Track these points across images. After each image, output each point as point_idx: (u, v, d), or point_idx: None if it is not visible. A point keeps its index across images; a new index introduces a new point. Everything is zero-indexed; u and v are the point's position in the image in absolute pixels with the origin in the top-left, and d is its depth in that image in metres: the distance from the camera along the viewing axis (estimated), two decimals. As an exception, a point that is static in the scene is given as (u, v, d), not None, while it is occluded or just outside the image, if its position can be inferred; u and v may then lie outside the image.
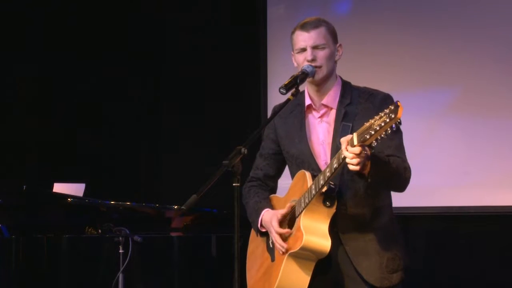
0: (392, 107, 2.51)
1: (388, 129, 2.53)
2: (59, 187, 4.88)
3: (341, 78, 3.06)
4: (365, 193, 2.92)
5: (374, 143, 2.60)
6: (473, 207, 5.30)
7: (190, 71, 6.17)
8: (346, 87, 3.03)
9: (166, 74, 6.29)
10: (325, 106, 3.01)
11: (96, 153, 6.10)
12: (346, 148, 2.65)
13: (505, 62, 5.23)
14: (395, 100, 2.94)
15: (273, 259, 3.04)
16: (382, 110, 2.85)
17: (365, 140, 2.57)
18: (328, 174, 2.79)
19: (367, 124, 2.58)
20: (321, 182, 2.83)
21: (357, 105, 2.95)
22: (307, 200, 2.88)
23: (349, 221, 2.94)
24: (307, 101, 3.05)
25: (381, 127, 2.53)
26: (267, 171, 3.19)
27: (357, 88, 3.03)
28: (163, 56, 6.28)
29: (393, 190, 3.01)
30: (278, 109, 3.01)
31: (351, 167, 2.67)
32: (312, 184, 2.88)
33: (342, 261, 2.97)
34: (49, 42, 6.08)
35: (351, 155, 2.64)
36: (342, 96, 2.99)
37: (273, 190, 3.22)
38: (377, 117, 2.55)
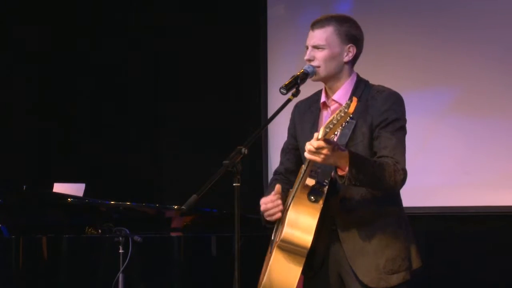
0: (349, 102, 2.56)
1: (344, 123, 2.59)
2: (59, 187, 4.87)
3: (357, 76, 3.05)
4: (368, 193, 2.91)
5: (333, 137, 2.67)
6: (473, 207, 5.30)
7: (190, 71, 6.16)
8: (360, 84, 3.02)
9: (166, 73, 6.29)
10: (335, 102, 3.01)
11: (96, 153, 6.10)
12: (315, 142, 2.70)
13: (505, 62, 5.24)
14: (403, 98, 2.98)
15: (271, 251, 3.04)
16: (384, 107, 2.86)
17: (326, 133, 2.61)
18: (304, 167, 2.80)
19: (330, 118, 2.62)
20: (301, 176, 2.84)
21: (365, 102, 2.94)
22: (293, 193, 2.90)
23: (349, 220, 2.93)
24: (323, 98, 3.06)
25: (337, 121, 2.58)
26: (287, 165, 3.19)
27: (371, 86, 3.02)
28: (163, 55, 6.28)
29: (380, 191, 2.96)
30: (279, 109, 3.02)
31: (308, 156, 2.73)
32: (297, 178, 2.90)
33: (340, 260, 2.96)
34: (47, 42, 6.08)
35: (310, 147, 2.69)
36: (353, 93, 2.98)
37: None
38: (337, 111, 2.60)
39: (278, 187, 3.00)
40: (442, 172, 5.33)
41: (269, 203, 2.98)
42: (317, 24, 3.00)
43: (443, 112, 5.39)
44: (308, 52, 2.98)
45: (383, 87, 3.02)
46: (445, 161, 5.32)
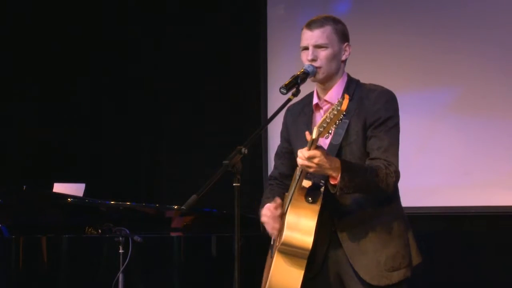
0: (341, 99, 2.56)
1: (337, 121, 2.59)
2: (59, 187, 4.87)
3: (348, 75, 3.05)
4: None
5: (328, 136, 2.68)
6: (473, 207, 5.30)
7: (190, 71, 6.16)
8: (351, 84, 3.01)
9: (166, 74, 6.29)
10: (328, 102, 3.01)
11: (96, 153, 6.10)
12: (309, 148, 2.71)
13: (505, 62, 5.24)
14: (395, 96, 2.98)
15: (272, 256, 3.04)
16: (376, 106, 2.85)
17: (320, 133, 2.62)
18: (299, 169, 2.81)
19: (323, 117, 2.62)
20: (297, 178, 2.84)
21: (357, 101, 2.94)
22: (290, 196, 2.90)
23: (347, 219, 2.94)
24: (315, 100, 3.06)
25: (331, 119, 2.58)
26: (282, 170, 3.20)
27: (363, 85, 3.02)
28: (163, 56, 6.28)
29: (373, 194, 2.96)
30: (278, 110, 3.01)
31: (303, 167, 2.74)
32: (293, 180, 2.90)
33: (340, 260, 2.97)
34: (47, 42, 6.08)
35: (301, 156, 2.70)
36: (345, 92, 2.98)
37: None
38: (329, 110, 2.59)
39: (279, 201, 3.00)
40: (442, 172, 5.33)
41: (269, 217, 2.99)
42: (315, 23, 2.99)
43: (443, 112, 5.38)
44: (310, 52, 2.97)
45: (375, 85, 3.02)
46: (445, 161, 5.32)
